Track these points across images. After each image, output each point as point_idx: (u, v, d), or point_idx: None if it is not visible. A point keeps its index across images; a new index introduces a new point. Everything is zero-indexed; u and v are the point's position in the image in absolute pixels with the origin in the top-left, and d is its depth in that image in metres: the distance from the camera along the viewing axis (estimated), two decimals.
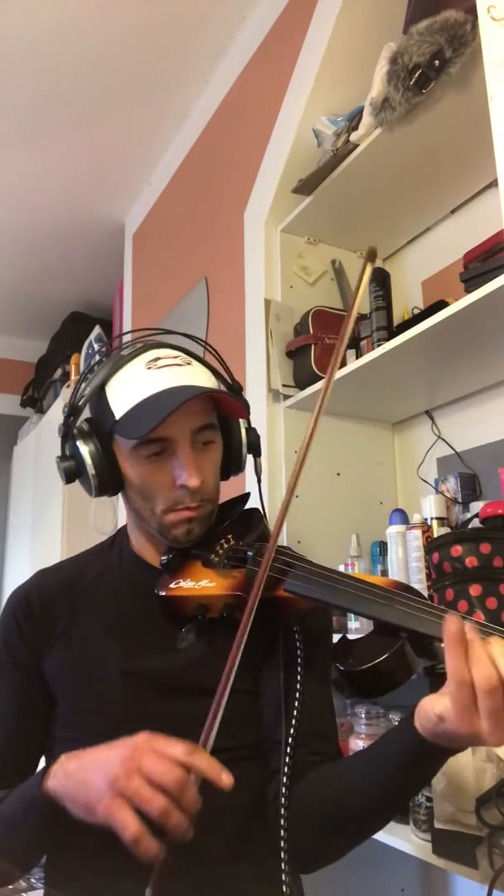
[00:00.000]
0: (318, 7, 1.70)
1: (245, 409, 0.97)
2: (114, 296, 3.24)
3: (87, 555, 1.06)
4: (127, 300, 2.92)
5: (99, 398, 0.94)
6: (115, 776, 0.68)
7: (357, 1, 1.60)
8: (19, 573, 3.33)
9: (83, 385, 0.97)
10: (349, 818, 0.81)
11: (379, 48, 1.37)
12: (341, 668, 0.78)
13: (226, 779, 0.66)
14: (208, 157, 2.32)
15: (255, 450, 1.03)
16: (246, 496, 1.05)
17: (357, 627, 1.38)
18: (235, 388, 1.03)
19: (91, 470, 0.92)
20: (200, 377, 0.94)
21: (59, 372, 3.41)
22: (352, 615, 1.38)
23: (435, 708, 0.67)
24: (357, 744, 1.33)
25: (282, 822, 0.81)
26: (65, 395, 2.96)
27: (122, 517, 2.87)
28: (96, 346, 3.07)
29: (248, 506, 1.04)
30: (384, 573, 1.44)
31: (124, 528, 1.05)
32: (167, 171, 2.61)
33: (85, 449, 0.92)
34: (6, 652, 0.95)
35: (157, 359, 0.93)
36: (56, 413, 3.08)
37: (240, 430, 1.01)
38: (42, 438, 3.34)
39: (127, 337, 1.19)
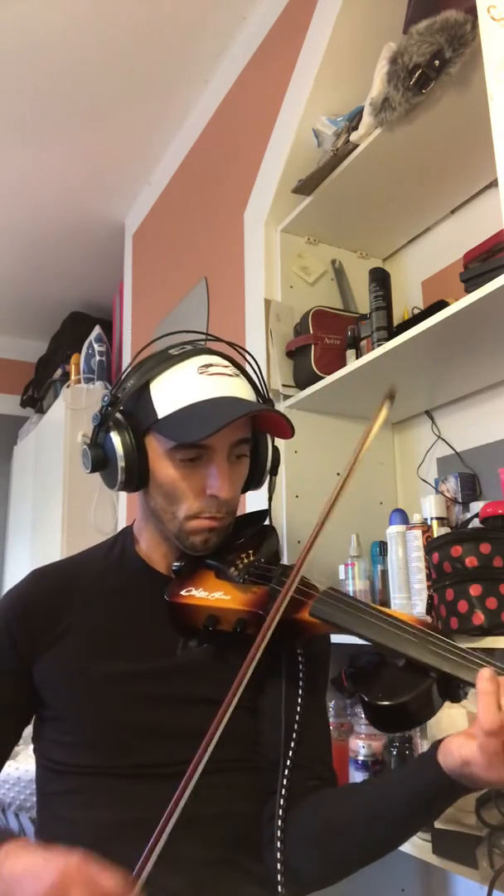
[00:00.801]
0: (318, 7, 1.70)
1: (291, 429, 0.95)
2: (114, 296, 3.24)
3: (86, 554, 1.05)
4: (127, 300, 2.92)
5: (141, 394, 0.92)
6: None
7: (357, 1, 1.60)
8: (19, 573, 3.32)
9: (126, 377, 0.96)
10: (346, 848, 0.81)
11: (379, 48, 1.37)
12: (366, 698, 0.76)
13: None
14: (208, 158, 2.32)
15: (275, 469, 1.03)
16: (264, 513, 1.04)
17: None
18: (270, 400, 1.03)
19: (121, 462, 0.91)
20: (247, 390, 0.94)
21: (59, 372, 3.41)
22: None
23: (462, 752, 0.67)
24: (357, 744, 1.33)
25: (278, 843, 0.81)
26: (65, 394, 2.96)
27: (122, 517, 2.86)
28: (96, 346, 3.06)
29: (249, 516, 1.04)
30: (384, 573, 1.44)
31: (128, 529, 1.04)
32: (167, 171, 2.61)
33: (118, 441, 0.91)
34: None
35: (210, 365, 0.92)
36: (56, 413, 3.08)
37: (267, 448, 1.01)
38: (42, 438, 3.34)
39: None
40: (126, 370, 0.97)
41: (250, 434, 0.95)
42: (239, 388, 0.92)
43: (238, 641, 0.85)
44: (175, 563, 0.94)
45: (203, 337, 1.05)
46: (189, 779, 0.68)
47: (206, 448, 0.89)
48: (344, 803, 0.83)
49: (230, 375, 0.93)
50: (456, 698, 0.76)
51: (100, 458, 0.94)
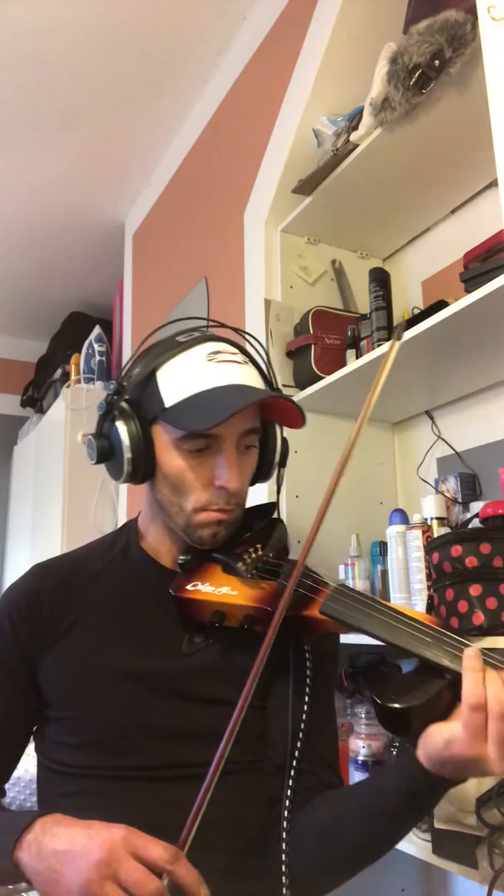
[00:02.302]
0: (318, 7, 1.70)
1: (303, 419, 0.91)
2: (114, 296, 3.24)
3: (88, 549, 1.02)
4: (127, 300, 2.92)
5: (148, 382, 0.89)
6: (87, 880, 0.63)
7: (357, 1, 1.60)
8: (19, 573, 3.32)
9: (131, 364, 0.92)
10: (344, 850, 0.80)
11: (379, 48, 1.37)
12: (379, 701, 0.73)
13: (203, 894, 0.64)
14: (208, 157, 2.32)
15: (284, 461, 1.00)
16: (271, 506, 1.02)
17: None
18: (276, 390, 0.99)
19: (127, 453, 0.88)
20: (256, 378, 0.91)
21: (59, 372, 3.41)
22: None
23: (443, 733, 0.68)
24: (357, 744, 1.33)
25: (283, 846, 0.80)
26: (65, 394, 2.96)
27: (122, 517, 2.86)
28: (96, 346, 3.07)
29: (257, 508, 1.01)
30: (384, 573, 1.44)
31: (132, 523, 1.02)
32: (167, 171, 2.61)
33: (124, 431, 0.88)
34: None
35: (218, 352, 0.89)
36: (56, 413, 3.08)
37: (276, 439, 0.98)
38: (42, 438, 3.34)
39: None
40: (132, 358, 0.93)
41: (259, 424, 0.92)
42: (249, 376, 0.89)
43: (245, 638, 0.83)
44: (181, 557, 0.91)
45: (210, 324, 1.01)
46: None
47: (214, 438, 0.86)
48: (337, 807, 0.82)
49: (239, 363, 0.90)
50: None
51: (105, 449, 0.91)
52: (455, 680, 0.71)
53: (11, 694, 0.90)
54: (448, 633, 0.76)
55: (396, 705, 0.72)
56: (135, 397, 0.90)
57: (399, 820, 0.78)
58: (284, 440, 1.00)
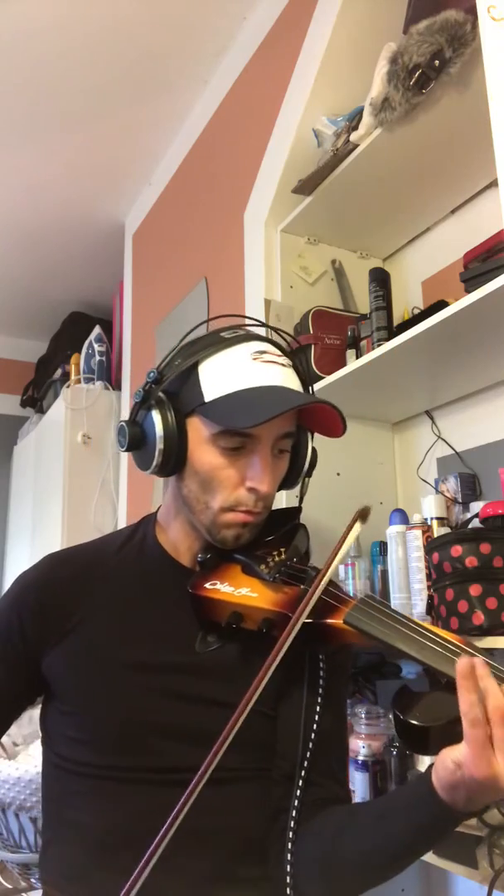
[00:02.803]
0: (318, 7, 1.70)
1: (344, 427, 0.90)
2: (114, 296, 3.24)
3: (104, 542, 1.00)
4: (127, 300, 2.92)
5: (189, 374, 0.87)
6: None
7: (357, 1, 1.60)
8: (19, 573, 3.32)
9: (174, 355, 0.90)
10: (346, 879, 0.79)
11: (379, 48, 1.37)
12: (402, 717, 0.71)
13: None
14: (208, 158, 2.32)
15: (311, 471, 0.98)
16: (296, 510, 1.00)
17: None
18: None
19: (160, 444, 0.85)
20: (297, 382, 0.90)
21: (59, 372, 3.41)
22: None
23: (452, 754, 0.65)
24: (357, 744, 1.33)
25: (288, 856, 0.79)
26: (65, 394, 2.96)
27: (122, 517, 2.86)
28: (96, 346, 3.07)
29: (282, 511, 0.99)
30: (384, 573, 1.44)
31: (151, 517, 1.00)
32: (167, 171, 2.61)
33: (160, 420, 0.86)
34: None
35: (264, 352, 0.88)
36: (56, 413, 3.08)
37: (307, 447, 0.96)
38: (42, 438, 3.34)
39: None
40: (174, 349, 0.91)
41: (295, 429, 0.90)
42: (291, 379, 0.88)
43: (262, 642, 0.80)
44: (200, 555, 0.89)
45: (250, 324, 0.99)
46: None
47: (251, 437, 0.85)
48: (345, 831, 0.79)
49: (283, 365, 0.88)
50: None
51: (137, 437, 0.89)
52: None
53: (10, 682, 0.90)
54: (475, 650, 0.73)
55: (417, 722, 0.70)
56: (173, 389, 0.88)
57: (408, 851, 0.75)
58: (314, 450, 0.98)
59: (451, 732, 0.68)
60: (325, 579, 0.79)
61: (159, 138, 2.52)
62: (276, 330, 1.01)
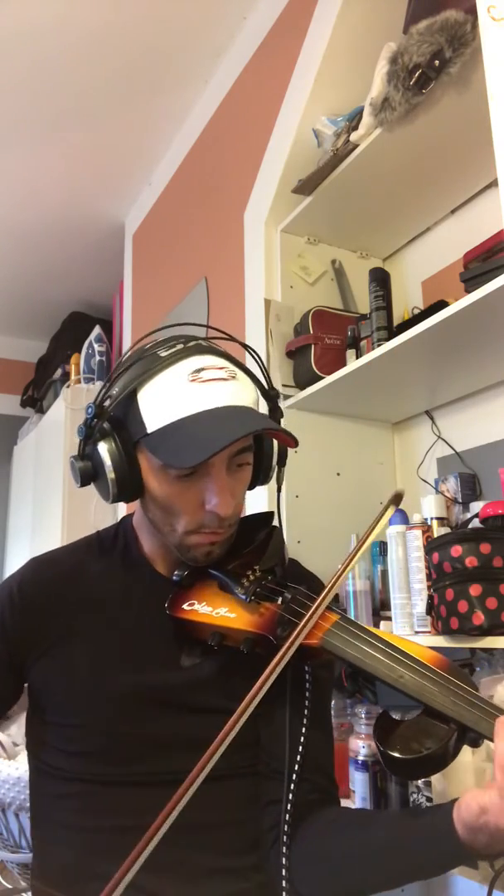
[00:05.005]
0: (318, 7, 1.70)
1: (295, 441, 0.86)
2: (114, 296, 3.24)
3: (87, 546, 0.99)
4: (127, 300, 2.92)
5: (129, 403, 0.84)
6: None
7: (357, 1, 1.60)
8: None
9: (111, 384, 0.88)
10: (352, 888, 0.78)
11: (379, 48, 1.37)
12: (381, 748, 0.71)
13: None
14: (208, 157, 2.32)
15: (283, 461, 0.97)
16: (269, 515, 0.99)
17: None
18: (273, 396, 0.97)
19: (111, 475, 0.84)
20: (246, 393, 0.85)
21: (59, 372, 3.41)
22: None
23: (479, 799, 0.64)
24: (357, 744, 1.33)
25: (283, 848, 0.79)
26: (65, 394, 2.96)
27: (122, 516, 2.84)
28: (96, 346, 3.07)
29: (255, 518, 1.00)
30: (384, 573, 1.44)
31: (128, 520, 0.99)
32: (167, 171, 2.61)
33: (106, 452, 0.84)
34: None
35: (202, 369, 0.83)
36: (56, 413, 3.08)
37: (272, 445, 0.94)
38: (42, 438, 3.35)
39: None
40: (110, 376, 0.88)
41: (251, 440, 0.88)
42: (236, 395, 0.83)
43: (245, 656, 0.81)
44: (176, 573, 0.89)
45: (204, 330, 0.97)
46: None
47: (202, 464, 0.81)
48: (357, 858, 0.78)
49: (224, 380, 0.83)
50: (474, 745, 0.72)
51: (88, 471, 0.87)
52: (461, 729, 0.70)
53: None
54: (453, 678, 0.73)
55: (399, 755, 0.70)
56: (118, 415, 0.86)
57: (415, 879, 0.76)
58: (281, 442, 0.96)
59: (434, 760, 0.69)
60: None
61: (159, 138, 2.52)
62: (217, 330, 0.97)
